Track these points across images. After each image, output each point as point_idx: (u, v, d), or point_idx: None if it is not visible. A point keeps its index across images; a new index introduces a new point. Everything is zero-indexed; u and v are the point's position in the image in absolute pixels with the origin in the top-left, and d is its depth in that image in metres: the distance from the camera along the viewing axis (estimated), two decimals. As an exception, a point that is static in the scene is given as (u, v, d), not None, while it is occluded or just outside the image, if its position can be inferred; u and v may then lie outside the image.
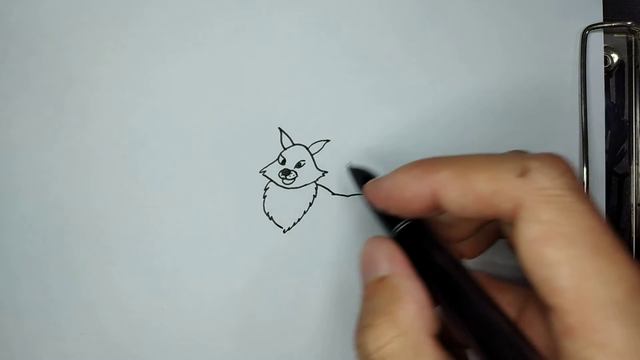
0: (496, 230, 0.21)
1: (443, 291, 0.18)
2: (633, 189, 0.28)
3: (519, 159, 0.17)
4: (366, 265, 0.19)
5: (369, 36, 0.27)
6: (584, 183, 0.27)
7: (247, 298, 0.26)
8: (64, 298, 0.26)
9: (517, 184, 0.16)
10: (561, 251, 0.15)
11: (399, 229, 0.19)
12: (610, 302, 0.14)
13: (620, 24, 0.28)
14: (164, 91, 0.27)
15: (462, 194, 0.17)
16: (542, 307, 0.16)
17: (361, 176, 0.23)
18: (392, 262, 0.18)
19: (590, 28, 0.27)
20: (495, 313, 0.16)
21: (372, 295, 0.18)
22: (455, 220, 0.21)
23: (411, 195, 0.18)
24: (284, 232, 0.26)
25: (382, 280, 0.18)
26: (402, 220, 0.19)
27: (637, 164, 0.28)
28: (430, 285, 0.18)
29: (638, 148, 0.28)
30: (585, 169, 0.27)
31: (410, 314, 0.17)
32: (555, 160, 0.16)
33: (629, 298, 0.14)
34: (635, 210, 0.28)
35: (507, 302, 0.20)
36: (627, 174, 0.29)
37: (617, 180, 0.29)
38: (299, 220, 0.26)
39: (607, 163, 0.28)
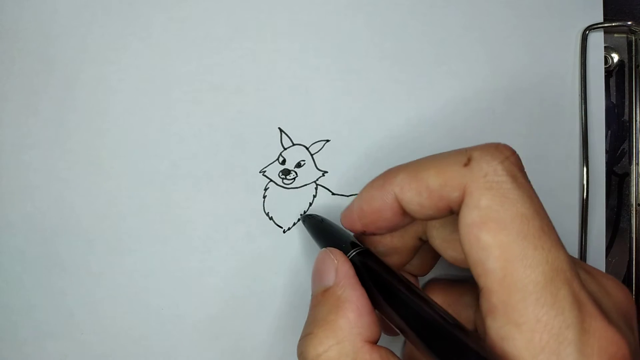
0: (434, 250, 0.22)
1: (384, 297, 0.19)
2: (633, 189, 0.28)
3: (464, 151, 0.18)
4: (315, 276, 0.21)
5: (369, 36, 0.27)
6: (584, 184, 0.27)
7: (247, 298, 0.26)
8: (64, 298, 0.26)
9: (462, 173, 0.17)
10: (493, 236, 0.16)
11: (350, 256, 0.21)
12: (530, 284, 0.15)
13: (620, 24, 0.28)
14: (165, 91, 0.27)
15: (417, 192, 0.18)
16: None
17: (314, 221, 0.24)
18: (338, 273, 0.20)
19: (591, 28, 0.27)
20: (434, 312, 0.17)
21: (316, 305, 0.20)
22: (390, 249, 0.22)
23: (379, 204, 0.19)
24: (284, 232, 0.26)
25: (327, 290, 0.20)
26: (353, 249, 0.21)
27: (637, 164, 0.28)
28: (372, 294, 0.19)
29: (638, 148, 0.28)
30: (585, 169, 0.27)
31: (349, 322, 0.18)
32: (496, 147, 0.17)
33: (547, 280, 0.15)
34: (635, 210, 0.28)
35: (465, 303, 0.21)
36: (627, 174, 0.29)
37: (617, 180, 0.29)
38: (299, 220, 0.26)
39: (607, 163, 0.28)
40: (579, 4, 0.28)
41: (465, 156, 0.17)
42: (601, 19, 0.28)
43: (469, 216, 0.17)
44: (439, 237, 0.20)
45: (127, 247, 0.26)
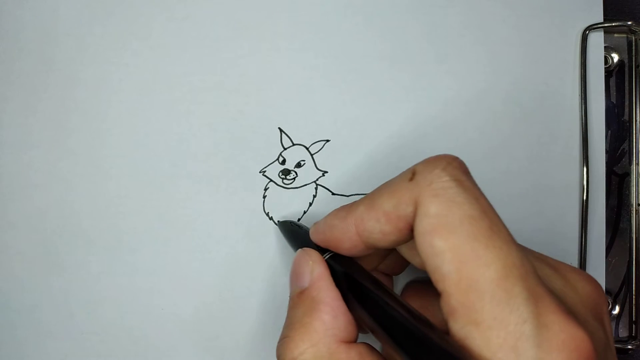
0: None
1: (356, 299, 0.19)
2: (633, 189, 0.28)
3: (409, 169, 0.18)
4: (291, 278, 0.21)
5: (369, 36, 0.27)
6: (584, 184, 0.27)
7: (248, 298, 0.26)
8: (64, 298, 0.26)
9: (409, 188, 0.17)
10: (445, 240, 0.16)
11: (326, 257, 0.21)
12: (485, 283, 0.15)
13: (620, 24, 0.28)
14: (164, 91, 0.27)
15: (376, 220, 0.18)
16: None
17: (290, 228, 0.25)
18: (313, 274, 0.20)
19: (591, 28, 0.27)
20: (404, 311, 0.17)
21: (293, 307, 0.20)
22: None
23: (339, 234, 0.20)
24: (284, 232, 0.26)
25: (302, 292, 0.20)
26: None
27: (637, 164, 0.28)
28: (345, 295, 0.19)
29: (638, 148, 0.28)
30: (585, 169, 0.27)
31: (324, 324, 0.19)
32: (437, 157, 0.18)
33: (501, 277, 0.15)
34: (635, 210, 0.28)
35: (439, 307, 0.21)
36: (627, 174, 0.29)
37: (617, 180, 0.29)
38: (299, 220, 0.26)
39: (607, 163, 0.28)
40: (579, 4, 0.28)
41: (410, 172, 0.18)
42: (601, 19, 0.28)
43: (421, 225, 0.17)
44: (405, 246, 0.20)
45: (127, 247, 0.26)
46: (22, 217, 0.26)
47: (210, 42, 0.27)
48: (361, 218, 0.19)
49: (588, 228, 0.27)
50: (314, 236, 0.22)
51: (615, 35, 0.29)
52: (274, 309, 0.26)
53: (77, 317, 0.26)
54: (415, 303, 0.20)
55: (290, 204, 0.26)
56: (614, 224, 0.29)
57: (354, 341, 0.19)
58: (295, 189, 0.27)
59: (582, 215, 0.27)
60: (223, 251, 0.26)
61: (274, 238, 0.26)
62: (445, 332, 0.16)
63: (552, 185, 0.27)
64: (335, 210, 0.21)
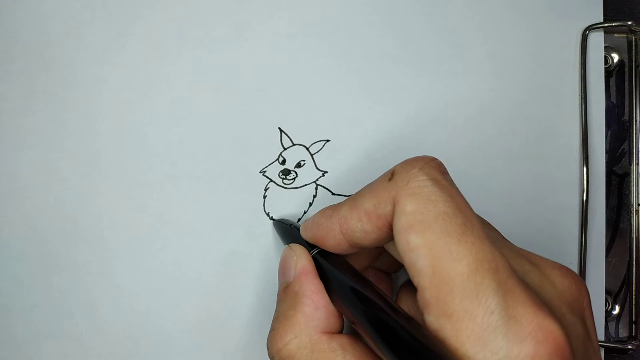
0: None
1: (339, 294, 0.20)
2: (633, 189, 0.28)
3: (389, 170, 0.19)
4: (279, 273, 0.22)
5: (369, 36, 0.27)
6: (584, 184, 0.27)
7: (248, 298, 0.26)
8: (64, 298, 0.26)
9: (388, 188, 0.18)
10: (420, 236, 0.17)
11: (313, 253, 0.22)
12: (456, 276, 0.16)
13: (620, 23, 0.28)
14: (164, 91, 0.27)
15: (358, 219, 0.19)
16: None
17: (283, 226, 0.25)
18: (296, 269, 0.21)
19: (590, 28, 0.27)
20: (385, 307, 0.18)
21: (279, 301, 0.21)
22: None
23: (325, 232, 0.21)
24: (284, 232, 0.26)
25: (287, 286, 0.21)
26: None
27: (637, 164, 0.28)
28: (330, 290, 0.20)
29: (638, 148, 0.28)
30: (585, 169, 0.27)
31: (306, 316, 0.20)
32: (415, 158, 0.19)
33: (472, 271, 0.16)
34: (635, 210, 0.28)
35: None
36: (627, 174, 0.29)
37: (617, 180, 0.29)
38: (299, 220, 0.26)
39: (607, 163, 0.28)
40: (579, 4, 0.28)
41: (390, 172, 0.19)
42: (601, 19, 0.28)
43: (399, 222, 0.17)
44: (392, 244, 0.21)
45: (126, 247, 0.26)
46: (22, 217, 0.26)
47: (210, 42, 0.27)
48: (344, 217, 0.20)
49: (588, 228, 0.27)
50: (303, 233, 0.22)
51: (615, 35, 0.29)
52: (274, 309, 0.26)
53: (77, 317, 0.26)
54: (410, 300, 0.20)
55: (290, 204, 0.26)
56: (614, 224, 0.29)
57: (337, 332, 0.20)
58: (296, 189, 0.27)
59: (582, 215, 0.27)
60: (223, 251, 0.26)
61: (274, 238, 0.26)
62: (423, 324, 0.17)
63: (552, 185, 0.27)
64: (323, 209, 0.21)
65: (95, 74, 0.27)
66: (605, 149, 0.28)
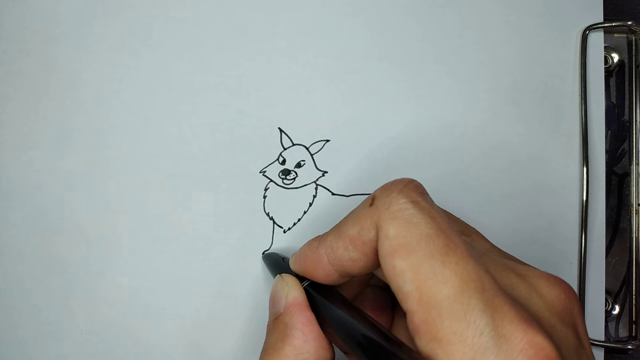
0: None
1: (331, 323, 0.20)
2: (633, 189, 0.28)
3: (369, 195, 0.19)
4: (269, 304, 0.22)
5: (369, 36, 0.27)
6: (584, 184, 0.27)
7: (248, 298, 0.26)
8: (64, 298, 0.26)
9: (370, 213, 0.18)
10: (404, 260, 0.17)
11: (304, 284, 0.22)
12: (443, 299, 0.16)
13: (620, 23, 0.28)
14: (165, 91, 0.27)
15: (344, 247, 0.19)
16: None
17: (273, 259, 0.25)
18: (287, 300, 0.21)
19: (591, 28, 0.27)
20: (377, 336, 0.18)
21: (268, 333, 0.21)
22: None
23: (313, 264, 0.20)
24: (284, 232, 0.26)
25: (277, 318, 0.21)
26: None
27: (637, 164, 0.28)
28: (322, 321, 0.20)
29: (638, 148, 0.28)
30: (585, 169, 0.27)
31: (295, 348, 0.19)
32: (394, 181, 0.19)
33: (458, 292, 0.16)
34: (635, 210, 0.28)
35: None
36: (627, 174, 0.29)
37: (617, 180, 0.29)
38: (299, 220, 0.26)
39: (607, 163, 0.28)
40: (579, 4, 0.28)
41: (371, 198, 0.19)
42: (601, 19, 0.28)
43: (383, 247, 0.17)
44: (380, 271, 0.21)
45: (127, 247, 0.26)
46: (22, 217, 0.26)
47: (210, 42, 0.27)
48: (331, 247, 0.20)
49: (588, 228, 0.27)
50: (292, 266, 0.22)
51: (615, 35, 0.29)
52: (274, 309, 0.26)
53: (77, 317, 0.26)
54: (405, 322, 0.20)
55: (290, 204, 0.26)
56: (614, 224, 0.29)
57: None
58: (296, 189, 0.27)
59: (582, 215, 0.27)
60: (223, 251, 0.26)
61: (275, 238, 0.26)
62: (415, 349, 0.17)
63: (552, 185, 0.27)
64: (310, 240, 0.21)
65: (96, 74, 0.27)
66: (605, 149, 0.28)
